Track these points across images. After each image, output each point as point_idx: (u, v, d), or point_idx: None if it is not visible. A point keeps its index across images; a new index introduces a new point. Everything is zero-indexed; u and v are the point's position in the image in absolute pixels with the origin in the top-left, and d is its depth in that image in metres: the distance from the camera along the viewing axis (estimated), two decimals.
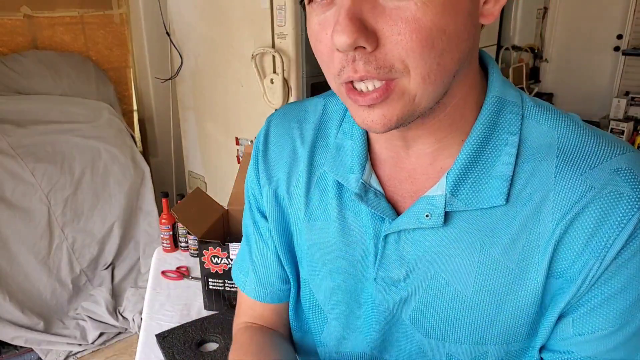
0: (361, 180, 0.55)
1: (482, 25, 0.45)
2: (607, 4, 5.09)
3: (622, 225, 0.44)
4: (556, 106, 0.54)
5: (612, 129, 4.90)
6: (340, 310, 0.60)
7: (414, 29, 0.40)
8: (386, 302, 0.55)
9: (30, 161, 2.26)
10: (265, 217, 0.66)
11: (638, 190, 0.45)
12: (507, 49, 4.78)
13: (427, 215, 0.50)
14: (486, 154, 0.49)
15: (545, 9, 5.47)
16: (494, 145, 0.49)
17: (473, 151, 0.49)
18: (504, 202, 0.48)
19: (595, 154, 0.47)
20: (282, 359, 0.62)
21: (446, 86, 0.44)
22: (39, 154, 2.31)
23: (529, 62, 5.13)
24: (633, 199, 0.44)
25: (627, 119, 4.85)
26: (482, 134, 0.49)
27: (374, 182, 0.55)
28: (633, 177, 0.45)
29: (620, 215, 0.44)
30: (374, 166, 0.56)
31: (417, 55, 0.40)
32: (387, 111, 0.43)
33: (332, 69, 0.44)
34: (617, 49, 4.99)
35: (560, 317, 0.49)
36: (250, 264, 0.70)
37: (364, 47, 0.40)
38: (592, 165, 0.47)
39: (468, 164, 0.49)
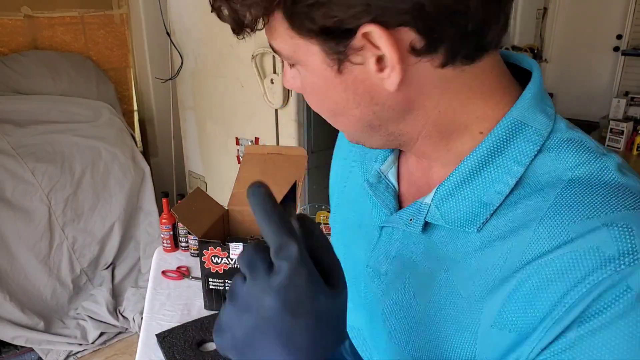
0: (378, 170, 0.56)
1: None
2: (606, 4, 5.09)
3: (590, 284, 0.37)
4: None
5: (611, 128, 4.90)
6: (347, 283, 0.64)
7: None
8: (371, 289, 0.57)
9: (31, 161, 2.27)
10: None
11: (625, 254, 0.36)
12: (506, 49, 4.78)
13: (410, 219, 0.50)
14: (482, 178, 0.46)
15: (545, 9, 5.47)
16: (494, 171, 0.45)
17: (467, 171, 0.46)
18: (476, 231, 0.45)
19: (602, 205, 0.39)
20: None
21: (370, 134, 0.48)
22: (39, 153, 2.31)
23: None
24: (615, 261, 0.36)
25: (626, 119, 4.84)
26: (482, 156, 0.46)
27: (391, 176, 0.56)
28: (627, 236, 0.37)
29: (590, 270, 0.37)
30: (401, 160, 0.57)
31: None
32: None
33: None
34: (616, 49, 4.99)
35: None
36: None
37: None
38: (589, 216, 0.39)
39: (460, 182, 0.47)
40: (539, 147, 0.44)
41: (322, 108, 0.48)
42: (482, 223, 0.45)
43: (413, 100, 0.44)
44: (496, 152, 0.45)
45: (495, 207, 0.45)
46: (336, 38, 0.40)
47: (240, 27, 0.42)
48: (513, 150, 0.45)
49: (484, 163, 0.46)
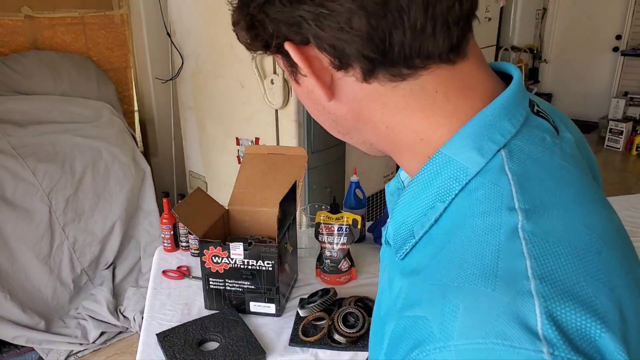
0: (398, 175, 0.56)
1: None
2: (606, 5, 5.09)
3: None
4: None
5: (610, 129, 4.89)
6: None
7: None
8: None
9: (32, 161, 2.27)
10: None
11: (440, 338, 0.34)
12: (506, 49, 4.79)
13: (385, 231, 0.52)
14: (416, 207, 0.44)
15: (545, 9, 5.47)
16: (423, 203, 0.44)
17: (409, 197, 0.45)
18: (400, 259, 0.46)
19: (458, 270, 0.37)
20: None
21: (346, 140, 0.51)
22: (40, 153, 2.32)
23: (528, 63, 5.14)
24: (430, 344, 0.35)
25: (625, 119, 4.85)
26: (419, 184, 0.44)
27: (407, 182, 0.55)
28: (450, 317, 0.34)
29: (413, 346, 0.36)
30: None
31: None
32: None
33: None
34: (616, 49, 5.00)
35: None
36: None
37: None
38: (442, 281, 0.37)
39: (403, 206, 0.46)
40: (461, 186, 0.41)
41: (311, 113, 0.51)
42: (405, 253, 0.45)
43: (359, 113, 0.45)
44: (427, 184, 0.43)
45: (416, 241, 0.44)
46: (279, 54, 0.45)
47: (247, 46, 0.47)
48: (438, 186, 0.43)
49: (419, 192, 0.44)
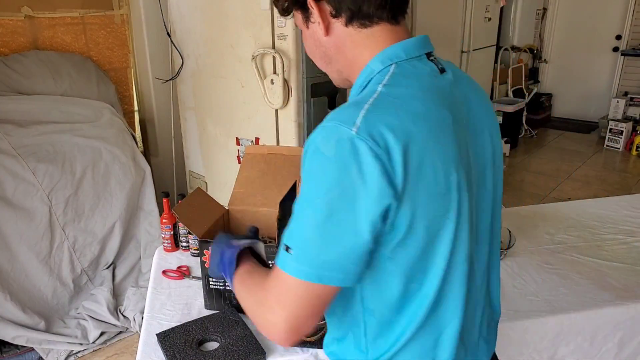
0: None
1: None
2: (606, 5, 5.08)
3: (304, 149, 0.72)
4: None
5: (611, 129, 4.88)
6: None
7: None
8: None
9: (32, 161, 2.27)
10: None
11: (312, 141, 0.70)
12: (506, 49, 4.79)
13: None
14: (352, 95, 0.79)
15: (545, 9, 5.46)
16: (355, 91, 0.79)
17: (351, 91, 0.81)
18: None
19: (334, 113, 0.72)
20: None
21: (328, 69, 0.87)
22: (40, 153, 2.32)
23: (528, 63, 5.14)
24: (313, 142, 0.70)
25: (625, 119, 4.84)
26: (354, 85, 0.80)
27: None
28: (317, 132, 0.70)
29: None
30: None
31: None
32: None
33: None
34: (616, 49, 4.99)
35: None
36: None
37: None
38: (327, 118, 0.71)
39: (350, 97, 0.80)
40: (370, 78, 0.76)
41: (308, 51, 0.86)
42: None
43: (339, 46, 0.80)
44: (359, 81, 0.78)
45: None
46: (301, 9, 0.79)
47: (282, 11, 0.83)
48: (363, 79, 0.78)
49: (355, 86, 0.79)
